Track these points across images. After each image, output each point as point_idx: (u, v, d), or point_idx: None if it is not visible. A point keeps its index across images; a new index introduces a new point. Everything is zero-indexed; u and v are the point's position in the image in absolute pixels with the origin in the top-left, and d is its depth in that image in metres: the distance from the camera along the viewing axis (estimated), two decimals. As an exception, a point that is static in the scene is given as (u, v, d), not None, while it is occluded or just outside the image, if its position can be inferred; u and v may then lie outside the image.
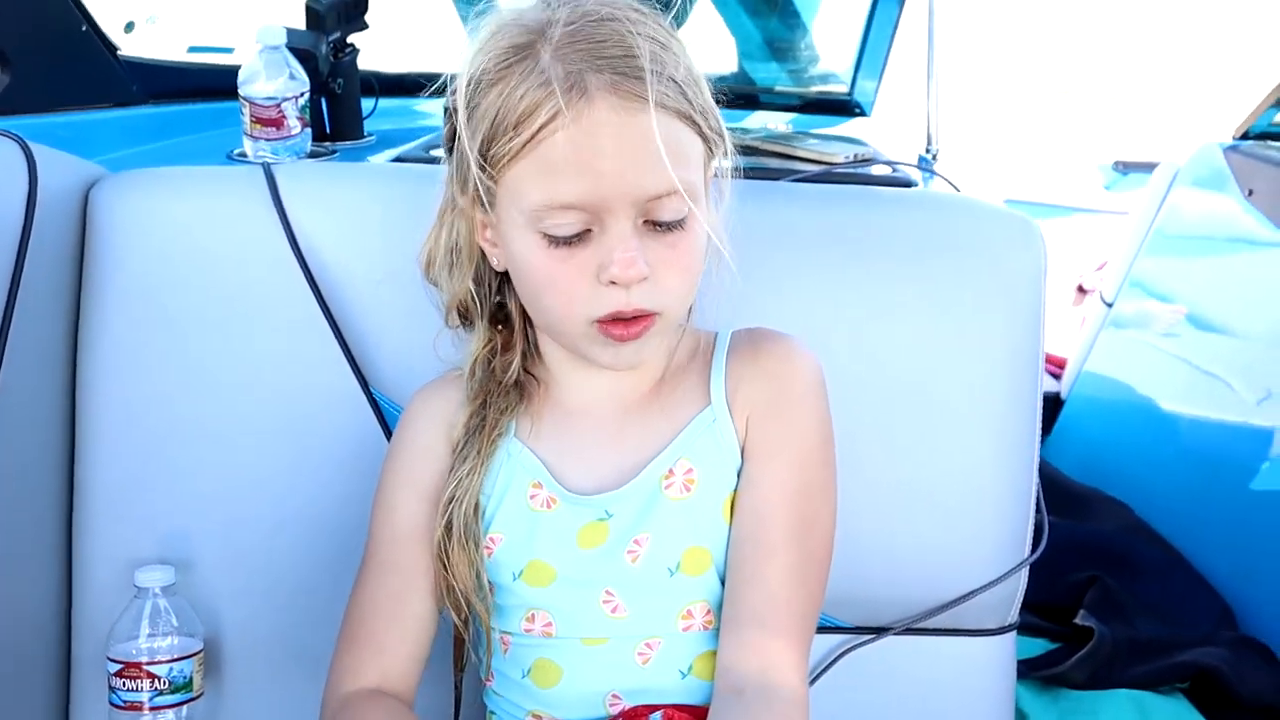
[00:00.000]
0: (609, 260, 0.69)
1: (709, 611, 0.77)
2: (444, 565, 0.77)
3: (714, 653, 0.77)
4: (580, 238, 0.70)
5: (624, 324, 0.71)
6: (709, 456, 0.77)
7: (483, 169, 0.71)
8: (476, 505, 0.77)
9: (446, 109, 0.74)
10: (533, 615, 0.77)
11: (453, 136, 0.74)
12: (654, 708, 0.74)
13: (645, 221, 0.70)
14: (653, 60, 0.69)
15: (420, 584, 0.79)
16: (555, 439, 0.79)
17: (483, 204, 0.73)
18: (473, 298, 0.79)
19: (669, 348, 0.80)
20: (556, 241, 0.70)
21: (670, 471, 0.77)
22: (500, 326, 0.80)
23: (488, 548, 0.78)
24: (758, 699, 0.72)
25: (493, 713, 0.82)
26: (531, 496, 0.78)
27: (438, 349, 0.84)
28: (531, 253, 0.71)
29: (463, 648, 0.83)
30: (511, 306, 0.80)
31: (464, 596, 0.78)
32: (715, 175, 0.76)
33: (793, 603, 0.74)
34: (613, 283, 0.70)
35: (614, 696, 0.76)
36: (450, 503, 0.77)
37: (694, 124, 0.71)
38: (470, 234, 0.77)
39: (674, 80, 0.69)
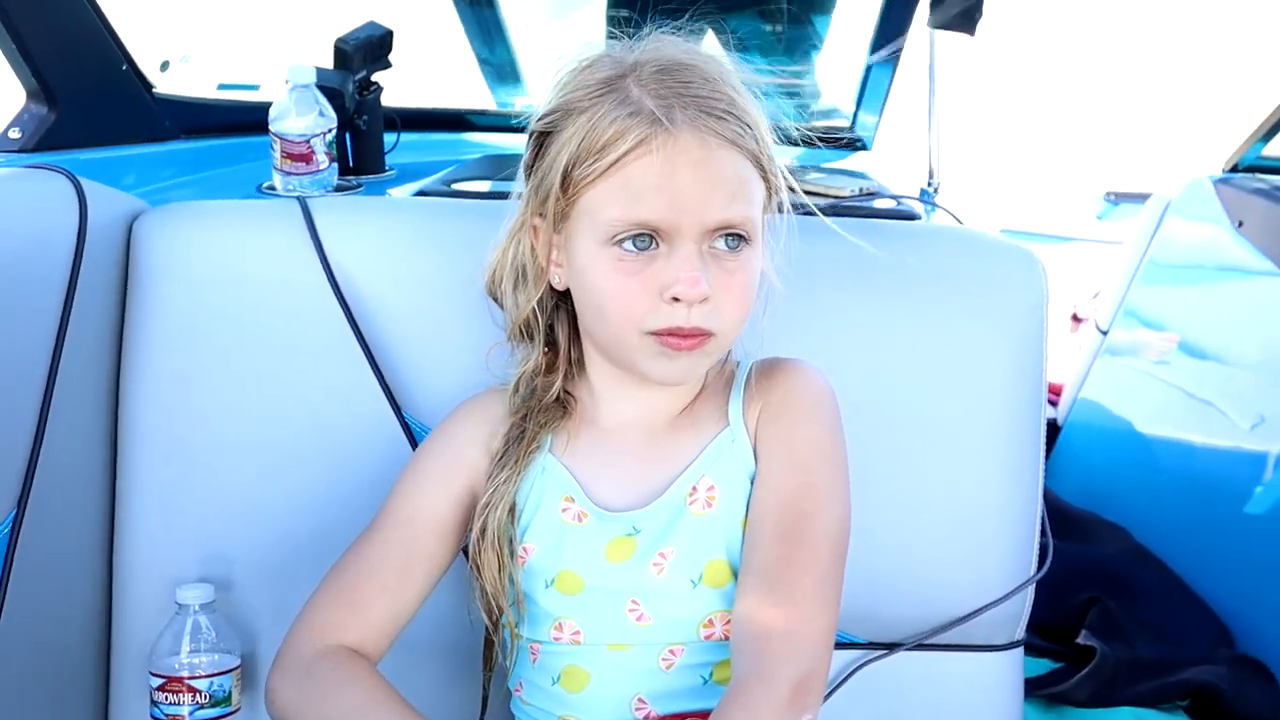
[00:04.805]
0: (674, 279, 0.75)
1: (729, 621, 0.80)
2: (477, 568, 0.81)
3: None
4: (648, 255, 0.75)
5: (681, 335, 0.76)
6: (729, 474, 0.81)
7: (563, 190, 0.76)
8: (511, 512, 0.81)
9: (531, 133, 0.80)
10: (561, 624, 0.81)
11: (533, 161, 0.80)
12: (688, 716, 0.78)
13: (709, 248, 0.76)
14: (731, 104, 0.76)
15: (420, 569, 0.82)
16: (588, 456, 0.83)
17: (555, 223, 0.79)
18: (535, 315, 0.83)
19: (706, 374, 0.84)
20: (625, 256, 0.75)
21: (694, 489, 0.81)
22: (547, 349, 0.85)
23: (520, 557, 0.82)
24: (736, 684, 0.72)
25: (521, 723, 0.85)
26: (563, 510, 0.82)
27: (490, 364, 0.88)
28: (600, 266, 0.76)
29: (492, 649, 0.87)
30: (559, 331, 0.84)
31: (494, 600, 0.81)
32: (769, 214, 0.81)
33: (782, 593, 0.74)
34: (675, 300, 0.75)
35: (639, 700, 0.80)
36: (486, 508, 0.81)
37: (761, 168, 0.77)
38: (537, 254, 0.81)
39: (749, 126, 0.76)
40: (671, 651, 0.80)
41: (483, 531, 0.81)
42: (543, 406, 0.83)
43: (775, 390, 0.83)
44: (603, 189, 0.75)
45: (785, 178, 0.81)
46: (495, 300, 0.87)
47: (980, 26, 1.45)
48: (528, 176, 0.81)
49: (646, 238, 0.75)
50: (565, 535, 0.81)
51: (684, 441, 0.83)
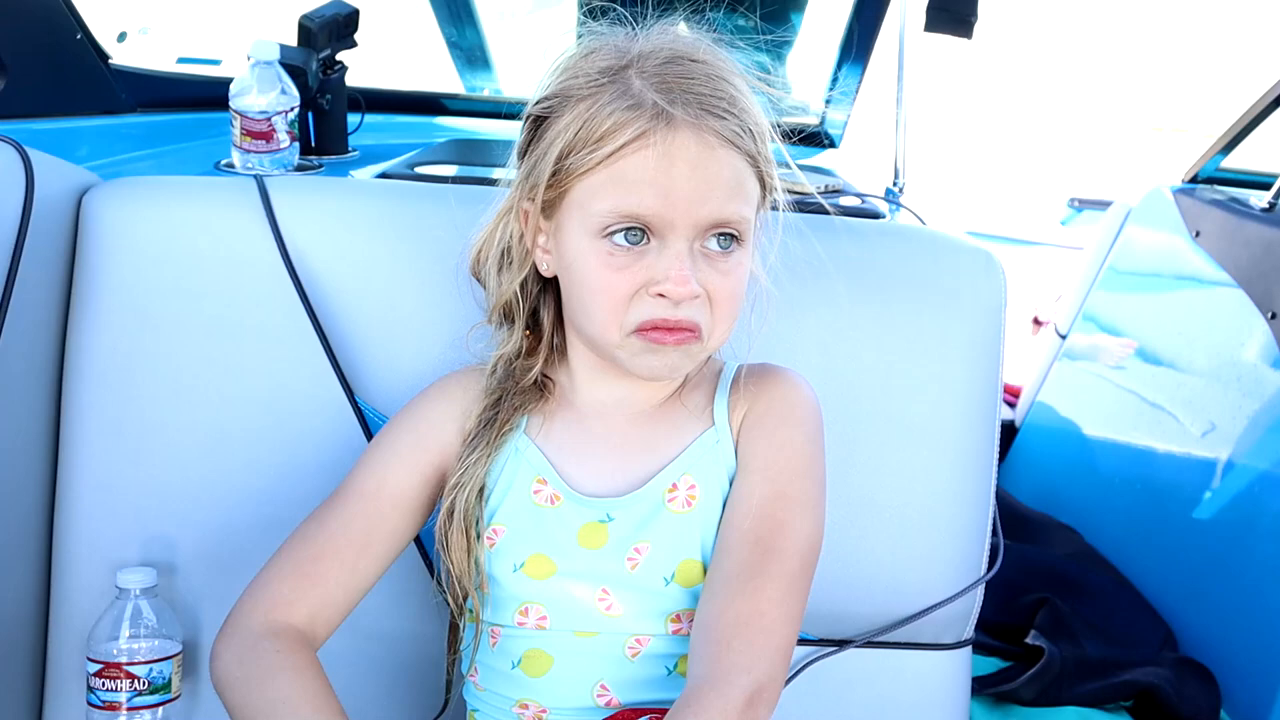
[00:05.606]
0: (663, 276, 0.74)
1: None
2: (444, 550, 0.80)
3: None
4: (638, 251, 0.74)
5: (666, 329, 0.75)
6: (710, 475, 0.81)
7: (555, 177, 0.75)
8: (480, 493, 0.80)
9: (527, 117, 0.78)
10: (526, 609, 0.80)
11: (527, 145, 0.78)
12: (646, 711, 0.77)
13: (700, 247, 0.75)
14: (732, 104, 0.75)
15: (380, 545, 0.81)
16: (563, 439, 0.82)
17: (545, 209, 0.77)
18: (517, 299, 0.82)
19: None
20: (615, 250, 0.74)
21: (674, 485, 0.80)
22: (528, 332, 0.84)
23: (490, 539, 0.81)
24: (691, 688, 0.72)
25: (475, 710, 0.84)
26: (535, 492, 0.81)
27: (470, 344, 0.87)
28: (588, 259, 0.75)
29: (457, 633, 0.86)
30: (544, 314, 0.83)
31: (459, 582, 0.80)
32: (763, 212, 0.81)
33: (746, 599, 0.74)
34: (661, 295, 0.74)
35: (602, 687, 0.79)
36: (455, 488, 0.80)
37: (757, 168, 0.76)
38: (523, 239, 0.80)
39: (748, 127, 0.75)
40: (638, 641, 0.79)
41: (450, 512, 0.80)
42: (519, 389, 0.82)
43: (763, 396, 0.83)
44: (596, 180, 0.74)
45: (781, 181, 0.80)
46: (478, 280, 0.86)
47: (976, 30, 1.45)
48: (520, 160, 0.80)
49: (638, 232, 0.74)
50: (537, 518, 0.80)
51: (666, 435, 0.82)
